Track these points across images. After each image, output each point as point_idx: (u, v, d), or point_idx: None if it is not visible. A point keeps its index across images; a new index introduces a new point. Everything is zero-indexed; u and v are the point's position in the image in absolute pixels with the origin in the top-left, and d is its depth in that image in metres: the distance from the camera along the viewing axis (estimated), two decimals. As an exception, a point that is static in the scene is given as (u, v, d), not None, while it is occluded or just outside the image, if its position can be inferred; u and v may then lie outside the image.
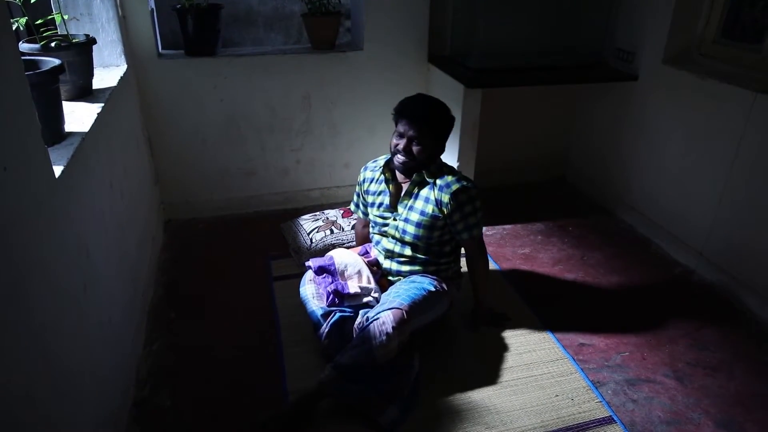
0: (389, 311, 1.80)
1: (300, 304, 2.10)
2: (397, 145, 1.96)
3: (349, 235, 2.63)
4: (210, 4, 2.72)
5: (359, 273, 2.09)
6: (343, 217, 2.75)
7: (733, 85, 2.32)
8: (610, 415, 1.81)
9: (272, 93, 2.87)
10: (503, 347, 2.10)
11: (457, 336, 2.15)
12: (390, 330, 1.75)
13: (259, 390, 1.90)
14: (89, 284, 1.52)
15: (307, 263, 2.18)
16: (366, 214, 2.26)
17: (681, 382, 1.96)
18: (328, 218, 2.75)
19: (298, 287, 2.16)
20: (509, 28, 2.89)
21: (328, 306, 1.99)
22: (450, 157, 2.84)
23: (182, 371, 1.98)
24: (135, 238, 2.20)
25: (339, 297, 1.99)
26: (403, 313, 1.80)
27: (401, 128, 1.94)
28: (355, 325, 1.92)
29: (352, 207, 2.33)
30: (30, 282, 1.14)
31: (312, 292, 2.07)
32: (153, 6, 2.72)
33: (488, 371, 1.98)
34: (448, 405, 1.83)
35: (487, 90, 2.72)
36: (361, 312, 1.95)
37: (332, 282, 2.04)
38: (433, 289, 1.98)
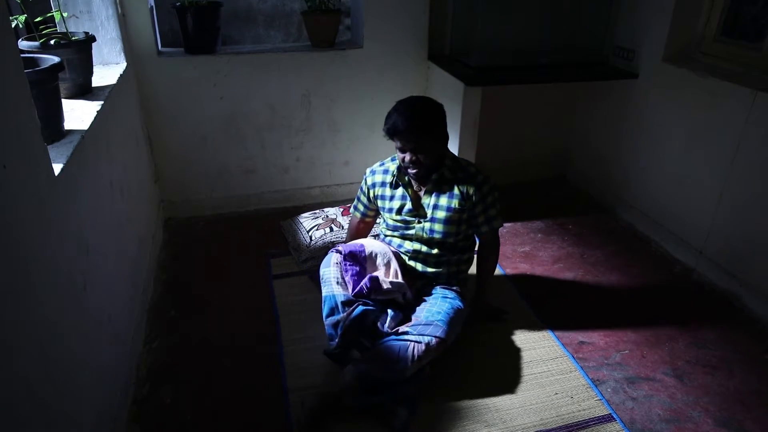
0: (435, 339, 1.80)
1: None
2: (403, 159, 1.93)
3: (349, 233, 2.63)
4: (210, 2, 2.71)
5: (388, 264, 2.03)
6: (342, 215, 2.75)
7: (733, 83, 2.32)
8: (610, 413, 1.81)
9: (272, 91, 2.86)
10: (503, 345, 2.11)
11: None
12: (431, 356, 1.80)
13: (259, 388, 1.90)
14: (89, 282, 1.52)
15: (334, 248, 2.06)
16: (365, 214, 2.23)
17: (680, 381, 1.97)
18: (327, 216, 2.75)
19: (319, 267, 2.04)
20: (509, 27, 2.89)
21: (354, 296, 1.92)
22: (450, 155, 2.84)
23: (182, 369, 1.98)
24: (135, 236, 2.20)
25: (369, 291, 1.91)
26: (446, 343, 1.84)
27: (398, 144, 1.92)
28: (385, 326, 1.90)
29: (352, 209, 2.27)
30: (30, 280, 1.14)
31: (336, 275, 1.97)
32: (152, 4, 2.72)
33: (487, 369, 1.98)
34: (448, 403, 1.83)
35: (488, 88, 2.72)
36: (390, 313, 1.93)
37: (359, 269, 1.99)
38: (461, 306, 1.99)
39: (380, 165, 2.14)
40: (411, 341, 1.78)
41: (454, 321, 1.91)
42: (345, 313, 1.88)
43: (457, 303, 1.99)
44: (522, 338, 2.14)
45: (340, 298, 1.91)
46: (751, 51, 2.42)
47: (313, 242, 2.58)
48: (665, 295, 2.46)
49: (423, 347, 1.77)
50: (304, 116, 2.97)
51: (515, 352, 2.07)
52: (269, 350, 2.06)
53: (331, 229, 2.63)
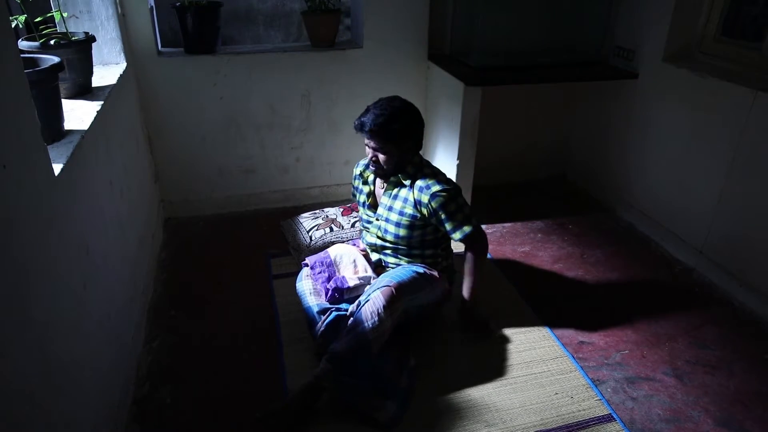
0: (378, 290, 1.82)
1: (299, 302, 2.10)
2: (369, 156, 1.99)
3: (349, 233, 2.63)
4: (210, 2, 2.71)
5: (354, 263, 2.11)
6: (342, 215, 2.75)
7: (733, 83, 2.32)
8: (610, 413, 1.81)
9: (272, 91, 2.86)
10: (503, 345, 2.10)
11: (456, 334, 2.15)
12: (381, 309, 1.77)
13: (258, 387, 1.90)
14: (89, 282, 1.52)
15: (303, 262, 2.20)
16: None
17: (680, 380, 1.97)
18: (327, 216, 2.75)
19: (295, 282, 2.18)
20: (509, 27, 2.89)
21: (329, 302, 2.01)
22: (450, 155, 2.84)
23: (182, 369, 1.98)
24: (135, 236, 2.20)
25: (339, 293, 2.00)
26: (392, 291, 1.82)
27: (364, 141, 1.96)
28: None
29: (352, 195, 2.36)
30: (30, 279, 1.14)
31: (309, 288, 2.09)
32: (152, 3, 2.72)
33: (488, 369, 1.98)
34: (448, 403, 1.84)
35: (488, 88, 2.71)
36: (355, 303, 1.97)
37: (328, 276, 2.06)
38: (421, 271, 1.99)
39: (365, 160, 2.18)
40: (364, 305, 1.81)
41: (410, 281, 1.91)
42: (320, 322, 1.97)
43: (416, 269, 1.99)
44: (522, 338, 2.14)
45: (315, 309, 2.02)
46: (751, 51, 2.42)
47: (313, 242, 2.58)
48: (665, 294, 2.46)
49: (372, 301, 1.79)
50: (304, 116, 2.97)
51: (515, 352, 2.06)
52: (269, 350, 2.06)
53: (331, 229, 2.63)
